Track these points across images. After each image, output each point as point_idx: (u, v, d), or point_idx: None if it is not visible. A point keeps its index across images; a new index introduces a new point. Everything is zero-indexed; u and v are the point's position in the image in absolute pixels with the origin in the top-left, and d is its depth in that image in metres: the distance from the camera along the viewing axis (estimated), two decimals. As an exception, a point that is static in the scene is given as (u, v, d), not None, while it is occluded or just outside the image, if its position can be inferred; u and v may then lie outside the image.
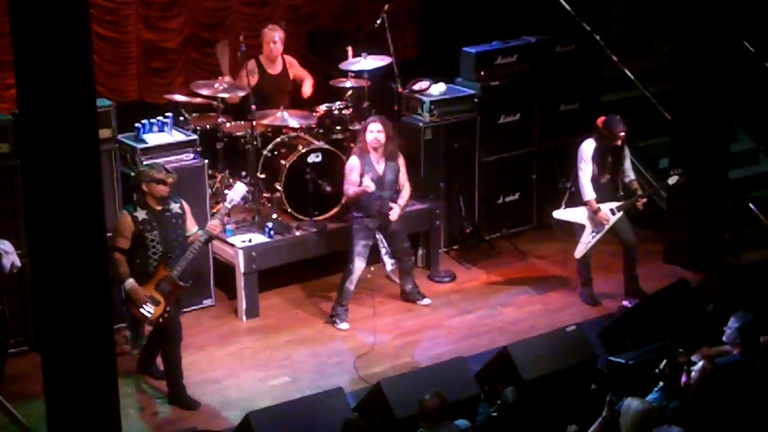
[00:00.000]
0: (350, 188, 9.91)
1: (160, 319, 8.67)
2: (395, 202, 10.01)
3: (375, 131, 9.87)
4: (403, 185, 10.09)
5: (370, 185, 9.78)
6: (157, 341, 8.98)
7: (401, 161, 10.10)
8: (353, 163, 9.90)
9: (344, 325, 10.08)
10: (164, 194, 8.68)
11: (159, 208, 8.69)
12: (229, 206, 9.13)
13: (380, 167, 9.91)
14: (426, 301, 10.40)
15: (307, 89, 11.21)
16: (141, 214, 8.62)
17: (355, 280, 10.00)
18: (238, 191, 9.09)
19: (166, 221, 8.69)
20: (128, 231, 8.60)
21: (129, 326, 8.89)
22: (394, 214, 9.98)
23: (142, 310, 8.60)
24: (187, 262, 8.77)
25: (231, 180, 10.56)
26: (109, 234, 8.76)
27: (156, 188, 8.65)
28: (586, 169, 10.19)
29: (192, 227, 8.89)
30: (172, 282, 8.65)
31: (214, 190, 10.45)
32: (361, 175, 9.83)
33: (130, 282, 8.59)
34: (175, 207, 8.78)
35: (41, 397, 7.78)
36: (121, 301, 8.95)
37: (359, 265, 9.96)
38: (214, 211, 9.67)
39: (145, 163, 9.61)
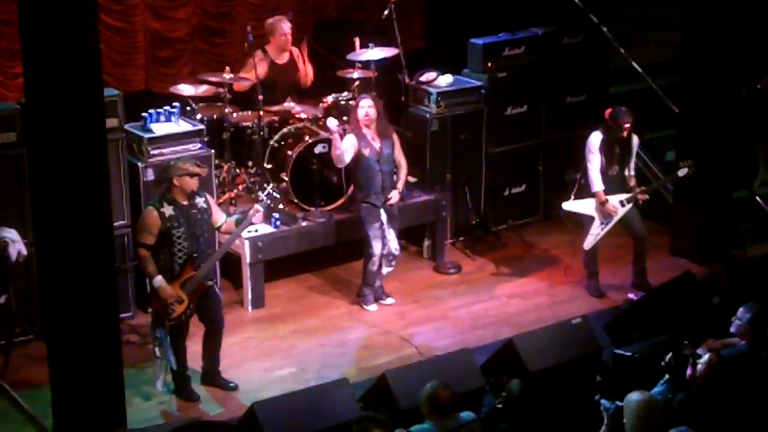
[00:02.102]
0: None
1: (182, 317, 8.63)
2: (396, 177, 10.03)
3: (366, 107, 9.88)
4: (399, 162, 10.10)
5: (331, 123, 9.80)
6: (207, 342, 8.93)
7: (395, 137, 10.11)
8: (350, 137, 9.88)
9: (372, 307, 10.13)
10: (195, 188, 8.55)
11: (186, 203, 8.56)
12: (261, 209, 8.94)
13: (377, 143, 9.91)
14: (390, 300, 10.30)
15: (309, 78, 11.19)
16: (168, 210, 8.48)
17: (377, 261, 10.00)
18: (270, 195, 9.00)
19: (193, 217, 8.57)
20: (155, 228, 8.45)
21: (151, 324, 8.77)
22: (394, 198, 10.00)
23: (166, 307, 8.55)
24: (214, 262, 8.78)
25: (238, 169, 10.59)
26: (113, 225, 8.79)
27: (188, 182, 8.50)
28: (594, 160, 10.18)
29: (220, 218, 8.81)
30: (198, 282, 8.60)
31: (220, 180, 10.46)
32: (359, 152, 9.83)
33: (159, 279, 8.49)
34: (200, 201, 8.65)
35: (47, 386, 7.81)
36: (125, 291, 8.94)
37: (377, 246, 9.95)
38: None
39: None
